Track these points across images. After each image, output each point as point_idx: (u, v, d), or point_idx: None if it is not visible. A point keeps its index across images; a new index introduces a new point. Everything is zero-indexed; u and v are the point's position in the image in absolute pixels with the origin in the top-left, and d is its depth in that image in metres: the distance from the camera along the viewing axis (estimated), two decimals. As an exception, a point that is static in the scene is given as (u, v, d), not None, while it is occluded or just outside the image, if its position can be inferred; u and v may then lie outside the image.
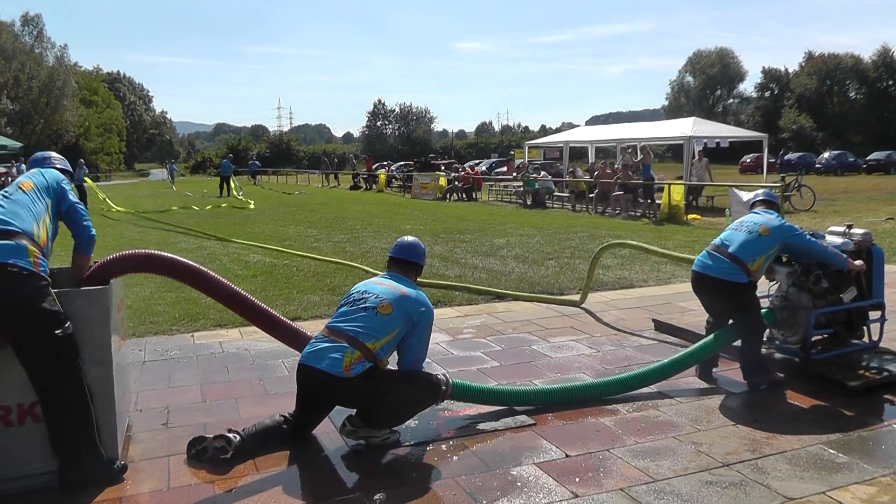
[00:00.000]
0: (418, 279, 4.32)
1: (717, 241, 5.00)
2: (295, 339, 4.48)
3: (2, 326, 3.37)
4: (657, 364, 4.84)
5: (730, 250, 4.83)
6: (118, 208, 21.41)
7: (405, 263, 4.24)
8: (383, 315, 3.86)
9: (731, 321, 4.97)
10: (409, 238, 4.36)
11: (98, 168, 70.28)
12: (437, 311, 7.18)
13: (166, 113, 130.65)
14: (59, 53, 66.82)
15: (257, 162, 47.29)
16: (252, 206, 21.86)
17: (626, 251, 10.60)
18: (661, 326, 6.42)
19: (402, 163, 46.54)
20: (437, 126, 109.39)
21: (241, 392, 4.90)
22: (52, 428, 3.47)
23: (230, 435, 3.83)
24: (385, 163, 46.16)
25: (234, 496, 3.44)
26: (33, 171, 3.97)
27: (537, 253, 11.03)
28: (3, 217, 3.51)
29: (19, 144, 34.34)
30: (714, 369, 5.13)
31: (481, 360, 5.60)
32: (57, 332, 3.39)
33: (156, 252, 4.29)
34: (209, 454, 3.79)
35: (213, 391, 4.94)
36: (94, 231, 3.93)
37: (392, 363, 4.07)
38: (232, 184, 30.96)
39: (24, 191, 3.73)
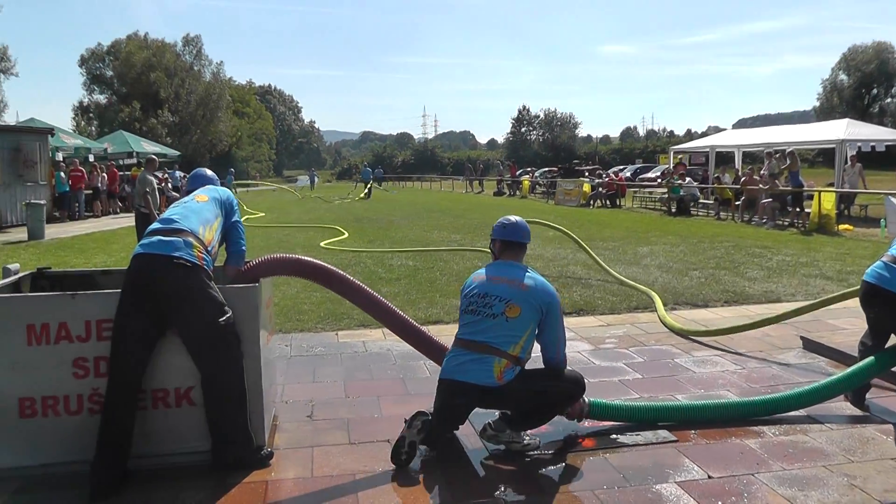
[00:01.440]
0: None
1: (894, 251, 4.60)
2: (430, 348, 4.55)
3: (170, 313, 3.65)
4: (808, 386, 4.51)
5: None
6: (255, 213, 22.65)
7: (518, 246, 4.14)
8: (513, 318, 3.81)
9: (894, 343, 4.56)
10: (514, 217, 4.23)
11: (248, 174, 74.98)
12: (577, 319, 7.18)
13: (314, 122, 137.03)
14: (216, 70, 71.35)
15: (380, 169, 48.94)
16: (394, 193, 22.43)
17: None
18: (809, 345, 6.02)
19: (546, 169, 46.35)
20: (582, 131, 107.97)
21: (383, 390, 5.02)
22: (210, 409, 3.72)
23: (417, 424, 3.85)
24: (529, 169, 46.11)
25: (374, 489, 3.53)
26: (209, 187, 4.39)
27: (681, 263, 10.70)
28: (175, 219, 3.89)
29: (177, 153, 37.08)
30: (867, 395, 4.72)
31: (623, 371, 5.46)
32: (221, 319, 3.64)
33: (303, 258, 4.48)
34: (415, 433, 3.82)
35: (356, 388, 5.09)
36: (245, 248, 4.26)
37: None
38: (374, 186, 32.30)
39: (198, 202, 4.12)
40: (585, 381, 4.08)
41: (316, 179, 49.46)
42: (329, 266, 4.51)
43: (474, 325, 3.87)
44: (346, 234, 15.56)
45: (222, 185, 4.71)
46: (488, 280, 3.98)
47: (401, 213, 22.67)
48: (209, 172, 4.73)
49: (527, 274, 3.97)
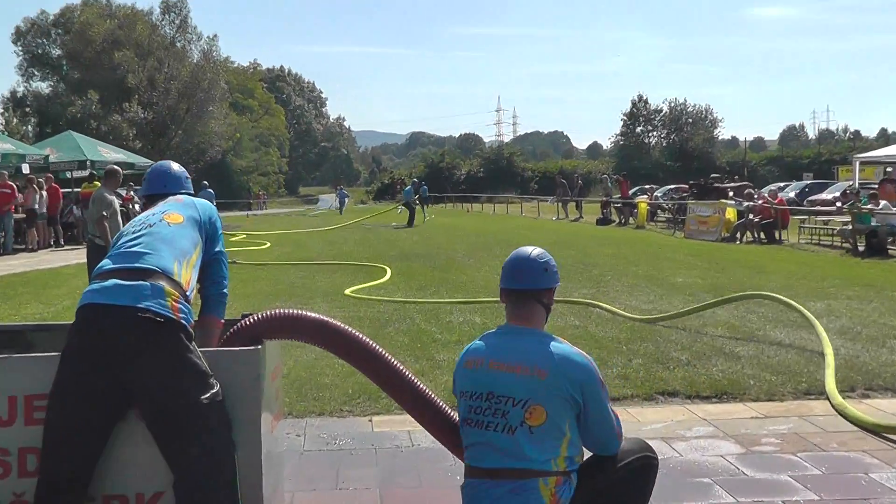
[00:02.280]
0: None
1: None
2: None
3: (132, 387, 3.63)
4: None
5: None
6: (259, 243, 22.96)
7: (526, 297, 4.04)
8: (539, 427, 3.72)
9: None
10: (526, 250, 4.16)
11: (250, 193, 75.78)
12: (720, 407, 7.08)
13: (343, 120, 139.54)
14: (207, 46, 71.44)
15: (422, 184, 49.49)
16: (430, 218, 22.50)
17: None
18: None
19: (672, 186, 46.11)
20: (723, 132, 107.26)
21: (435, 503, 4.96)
22: None
23: None
24: (647, 186, 45.84)
25: None
26: (182, 200, 4.37)
27: (875, 327, 10.45)
28: (139, 251, 3.86)
29: (150, 163, 37.73)
30: None
31: (789, 488, 5.30)
32: (204, 397, 3.62)
33: (312, 315, 4.39)
34: None
35: (398, 498, 5.05)
36: (227, 290, 4.32)
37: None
38: (417, 209, 32.61)
39: (169, 224, 4.10)
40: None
41: (346, 200, 50.21)
42: (351, 331, 4.40)
43: (488, 448, 3.80)
44: (388, 275, 15.66)
45: (206, 196, 4.71)
46: (490, 368, 3.89)
47: (464, 248, 22.87)
48: (175, 168, 4.71)
49: (542, 348, 3.86)
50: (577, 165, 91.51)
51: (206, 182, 28.48)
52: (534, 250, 4.14)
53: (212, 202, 4.91)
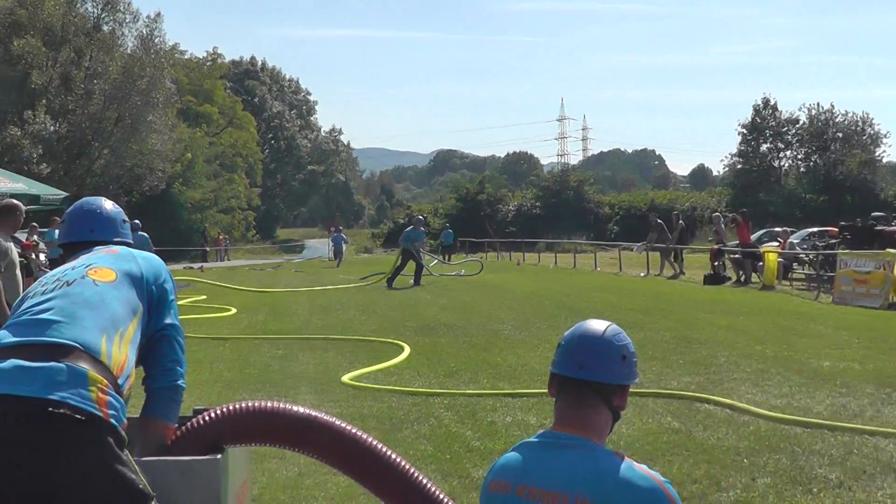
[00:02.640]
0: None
1: None
2: None
3: None
4: None
5: None
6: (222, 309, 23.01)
7: (596, 393, 3.90)
8: None
9: None
10: (599, 325, 4.00)
11: (205, 237, 75.63)
12: None
13: (339, 134, 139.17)
14: (146, 31, 71.85)
15: (449, 229, 49.86)
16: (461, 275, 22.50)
17: None
18: None
19: (815, 229, 45.90)
20: (889, 153, 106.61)
21: None
22: None
23: None
24: (778, 229, 45.62)
25: None
26: (116, 251, 4.43)
27: None
28: (52, 319, 3.89)
29: (63, 195, 37.80)
30: None
31: None
32: None
33: (296, 410, 4.42)
34: None
35: None
36: (183, 380, 4.33)
37: None
38: (427, 260, 32.82)
39: (96, 282, 4.14)
40: None
41: (345, 246, 50.26)
42: (352, 431, 4.42)
43: None
44: (405, 355, 15.71)
45: (138, 241, 4.76)
46: (517, 497, 3.82)
47: (513, 316, 22.79)
48: (108, 207, 4.78)
49: (592, 468, 3.76)
50: (676, 198, 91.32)
51: (137, 221, 28.48)
52: (607, 327, 4.00)
53: (147, 249, 4.94)
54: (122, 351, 3.96)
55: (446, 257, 50.29)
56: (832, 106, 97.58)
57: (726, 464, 8.96)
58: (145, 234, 28.37)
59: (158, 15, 70.85)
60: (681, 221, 43.82)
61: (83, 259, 4.29)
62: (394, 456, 4.39)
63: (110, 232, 4.60)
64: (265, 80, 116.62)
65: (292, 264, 58.84)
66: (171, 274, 4.51)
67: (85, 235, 4.54)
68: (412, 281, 33.91)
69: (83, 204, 4.77)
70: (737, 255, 35.69)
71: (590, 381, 3.87)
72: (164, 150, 71.61)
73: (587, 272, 42.64)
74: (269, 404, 4.37)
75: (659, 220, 43.24)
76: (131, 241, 4.72)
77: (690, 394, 12.24)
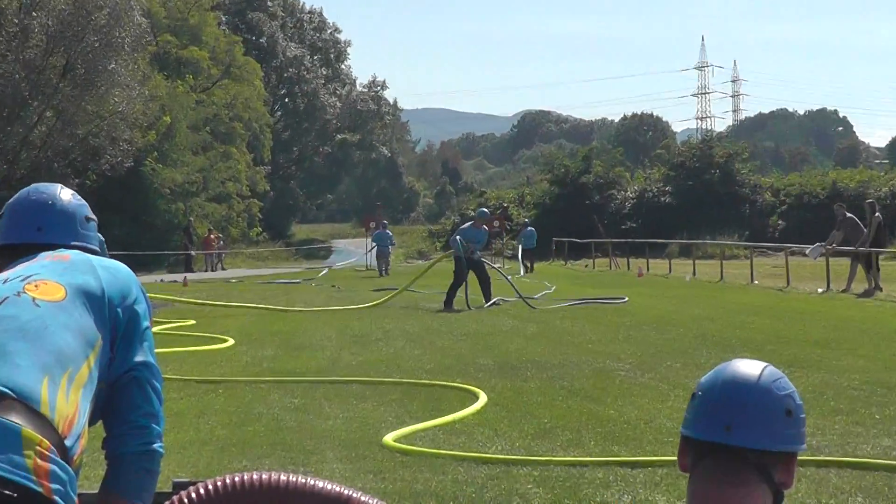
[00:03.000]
0: None
1: None
2: None
3: None
4: None
5: None
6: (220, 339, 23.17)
7: (748, 462, 3.81)
8: None
9: None
10: (751, 368, 3.90)
11: (190, 235, 75.72)
12: None
13: (382, 88, 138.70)
14: None
15: (530, 227, 50.08)
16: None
17: None
18: None
19: None
20: None
21: None
22: None
23: None
24: None
25: None
26: (70, 257, 4.46)
27: None
28: None
29: None
30: None
31: None
32: None
33: (315, 483, 4.45)
34: None
35: None
36: (160, 442, 4.35)
37: None
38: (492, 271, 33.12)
39: (36, 302, 4.13)
40: None
41: (391, 248, 50.50)
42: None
43: None
44: (481, 404, 15.73)
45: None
46: None
47: (631, 351, 22.95)
48: (63, 199, 4.82)
49: None
50: (870, 180, 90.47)
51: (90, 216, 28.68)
52: (763, 369, 3.93)
53: (103, 253, 4.94)
54: (70, 400, 3.93)
55: (529, 266, 50.45)
56: None
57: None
58: (98, 235, 28.48)
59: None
60: (877, 214, 43.59)
61: (22, 268, 4.28)
62: None
63: (66, 233, 4.60)
64: (276, 10, 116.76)
65: (322, 278, 58.49)
66: (144, 291, 4.49)
67: (30, 236, 4.54)
68: (484, 300, 33.99)
69: (30, 192, 4.76)
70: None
71: (742, 447, 3.81)
72: (132, 111, 71.40)
73: (740, 286, 42.76)
74: (280, 476, 4.38)
75: (848, 213, 43.05)
76: (97, 248, 4.72)
77: (890, 462, 12.17)
